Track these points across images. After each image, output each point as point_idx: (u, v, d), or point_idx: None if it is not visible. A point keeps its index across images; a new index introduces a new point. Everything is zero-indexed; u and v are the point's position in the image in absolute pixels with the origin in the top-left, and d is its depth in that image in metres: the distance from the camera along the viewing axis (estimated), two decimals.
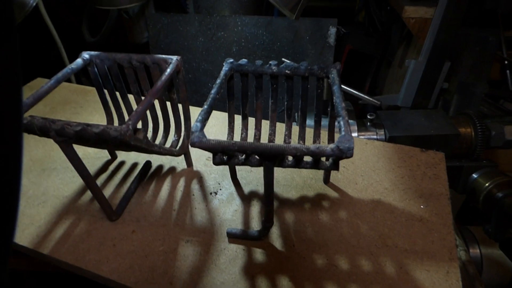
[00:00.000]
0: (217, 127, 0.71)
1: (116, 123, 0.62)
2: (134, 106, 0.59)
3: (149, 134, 0.59)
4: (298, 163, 0.41)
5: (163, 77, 0.45)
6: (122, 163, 0.63)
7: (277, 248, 0.48)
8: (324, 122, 0.63)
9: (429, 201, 0.54)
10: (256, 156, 0.44)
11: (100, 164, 0.63)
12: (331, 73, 0.45)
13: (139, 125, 0.60)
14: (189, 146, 0.59)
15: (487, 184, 0.70)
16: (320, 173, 0.58)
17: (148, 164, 0.62)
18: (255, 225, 0.51)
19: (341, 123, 0.36)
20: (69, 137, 0.37)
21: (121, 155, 0.65)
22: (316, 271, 0.45)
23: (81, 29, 1.08)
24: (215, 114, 0.75)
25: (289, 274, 0.45)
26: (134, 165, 0.62)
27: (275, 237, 0.49)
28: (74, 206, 0.55)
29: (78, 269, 0.47)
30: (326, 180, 0.56)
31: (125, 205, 0.54)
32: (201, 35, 1.11)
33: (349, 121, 0.67)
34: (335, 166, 0.43)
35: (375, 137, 0.76)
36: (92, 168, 0.61)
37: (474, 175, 0.74)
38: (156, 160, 0.63)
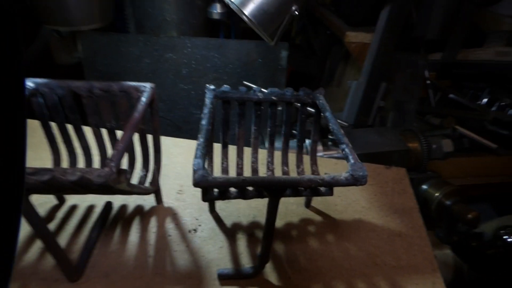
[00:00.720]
0: (183, 156, 0.66)
1: (65, 161, 0.53)
2: (91, 140, 0.51)
3: None
4: (297, 192, 0.39)
5: (140, 107, 0.40)
6: (73, 208, 0.54)
7: (273, 284, 0.45)
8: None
9: (403, 215, 0.56)
10: (250, 188, 0.41)
11: (44, 212, 0.52)
12: (318, 99, 0.45)
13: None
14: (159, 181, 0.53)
15: (437, 194, 0.78)
16: (301, 197, 0.57)
17: (108, 205, 0.54)
18: (246, 260, 0.47)
19: (347, 150, 0.36)
20: (33, 188, 0.30)
21: (71, 198, 0.55)
22: None
23: None
24: (178, 141, 0.69)
25: None
26: (90, 208, 0.54)
27: (270, 271, 0.46)
28: (16, 270, 0.44)
29: None
30: (307, 204, 0.56)
31: (87, 259, 0.46)
32: (146, 56, 1.04)
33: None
34: (331, 191, 0.43)
35: (336, 155, 0.79)
36: None
37: (424, 186, 0.81)
38: (118, 199, 0.55)
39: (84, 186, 0.30)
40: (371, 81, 1.14)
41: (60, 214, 0.52)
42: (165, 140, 0.69)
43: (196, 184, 0.30)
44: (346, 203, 0.58)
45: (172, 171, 0.62)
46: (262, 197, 0.41)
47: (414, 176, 0.85)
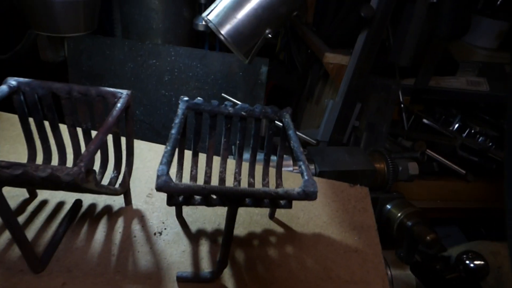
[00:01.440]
0: (157, 160, 0.67)
1: (40, 157, 0.54)
2: (67, 139, 0.53)
3: None
4: (257, 203, 0.42)
5: (114, 113, 0.42)
6: (44, 203, 0.55)
7: None
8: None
9: (361, 233, 0.60)
10: (214, 196, 0.43)
11: (15, 205, 0.53)
12: (284, 117, 0.48)
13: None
14: (129, 184, 0.55)
15: (399, 214, 0.82)
16: (265, 209, 0.60)
17: (78, 203, 0.55)
18: (206, 265, 0.49)
19: (303, 167, 0.39)
20: (6, 181, 0.32)
21: (43, 194, 0.56)
22: None
23: None
24: (153, 146, 0.71)
25: None
26: (60, 204, 0.55)
27: (227, 277, 0.48)
28: None
29: None
30: (272, 215, 0.59)
31: (52, 253, 0.47)
32: (130, 61, 1.06)
33: (284, 156, 0.72)
34: (289, 204, 0.46)
35: None
36: None
37: (388, 206, 0.85)
38: (88, 198, 0.57)
39: (53, 182, 0.32)
40: (347, 101, 1.20)
41: (31, 208, 0.53)
42: (140, 145, 0.71)
43: (158, 188, 0.33)
44: (308, 217, 0.61)
45: (144, 174, 0.64)
46: (224, 205, 0.43)
47: (379, 196, 0.89)
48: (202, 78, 1.06)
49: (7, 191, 0.55)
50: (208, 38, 1.22)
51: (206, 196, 0.40)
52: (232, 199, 0.36)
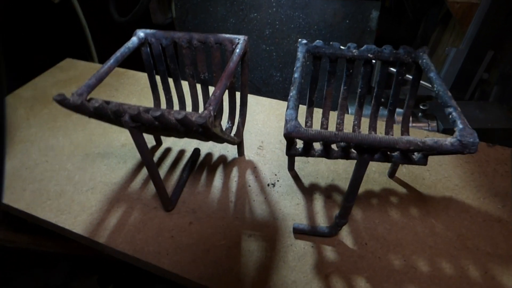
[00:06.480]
0: (264, 113, 0.67)
1: (163, 107, 0.58)
2: (186, 90, 0.55)
3: None
4: (386, 157, 0.37)
5: (234, 58, 0.41)
6: (168, 150, 0.59)
7: (348, 246, 0.44)
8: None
9: (506, 201, 0.50)
10: (335, 148, 0.40)
11: None
12: (421, 58, 0.41)
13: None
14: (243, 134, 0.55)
15: None
16: (384, 166, 0.55)
17: (197, 151, 0.58)
18: (321, 220, 0.48)
19: (454, 114, 0.32)
20: (144, 123, 0.33)
21: (167, 142, 0.61)
22: (395, 273, 0.42)
23: (109, 9, 1.02)
24: (260, 100, 0.71)
25: (365, 275, 0.42)
26: (182, 152, 0.59)
27: (345, 234, 0.46)
28: (125, 193, 0.51)
29: (137, 260, 0.44)
30: (392, 174, 0.53)
31: (179, 194, 0.51)
32: (232, 16, 1.06)
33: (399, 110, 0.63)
34: (425, 160, 0.40)
35: (427, 128, 0.72)
36: (137, 154, 0.58)
37: None
38: (204, 147, 0.60)
39: (186, 125, 0.32)
40: (475, 48, 1.00)
41: (158, 154, 0.58)
42: (248, 98, 0.71)
43: (287, 134, 0.31)
44: (436, 179, 0.53)
45: (253, 127, 0.64)
46: (347, 158, 0.39)
47: None
48: (304, 30, 1.00)
49: None
50: None
51: (329, 147, 0.37)
52: (367, 149, 0.32)
